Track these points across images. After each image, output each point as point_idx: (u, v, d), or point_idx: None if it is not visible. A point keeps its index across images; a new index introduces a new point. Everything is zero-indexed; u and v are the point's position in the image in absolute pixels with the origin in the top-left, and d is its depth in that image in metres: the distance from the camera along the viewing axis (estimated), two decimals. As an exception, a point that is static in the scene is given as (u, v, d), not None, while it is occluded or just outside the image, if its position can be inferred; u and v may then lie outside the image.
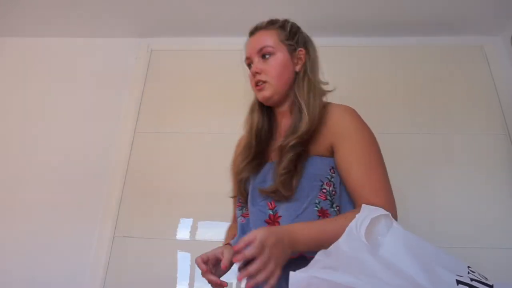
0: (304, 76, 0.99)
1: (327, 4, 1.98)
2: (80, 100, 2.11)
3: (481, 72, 1.99)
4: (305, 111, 0.91)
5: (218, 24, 2.16)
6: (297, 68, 1.01)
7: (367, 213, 0.76)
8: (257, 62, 1.01)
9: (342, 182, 0.91)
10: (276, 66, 0.96)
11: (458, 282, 0.66)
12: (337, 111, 0.92)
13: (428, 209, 1.70)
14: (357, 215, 0.76)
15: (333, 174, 0.90)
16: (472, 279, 0.67)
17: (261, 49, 1.01)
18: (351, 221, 0.75)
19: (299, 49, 1.02)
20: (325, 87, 1.03)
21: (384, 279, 0.64)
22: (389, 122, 1.89)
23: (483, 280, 0.69)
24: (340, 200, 0.90)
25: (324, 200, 0.87)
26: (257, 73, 0.99)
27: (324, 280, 0.67)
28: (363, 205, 0.83)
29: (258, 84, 0.99)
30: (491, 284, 0.68)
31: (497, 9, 1.97)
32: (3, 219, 1.85)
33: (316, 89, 0.97)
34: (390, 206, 0.87)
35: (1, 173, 1.96)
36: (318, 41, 2.16)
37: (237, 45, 2.19)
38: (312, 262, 0.73)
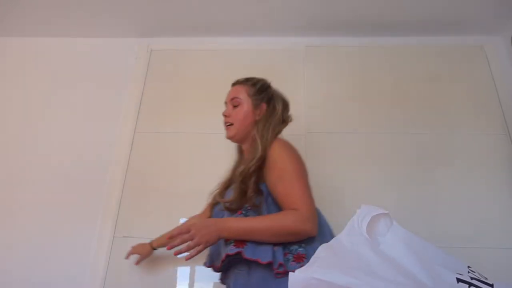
0: (261, 123, 1.25)
1: (327, 4, 1.98)
2: (80, 100, 2.11)
3: (481, 72, 1.99)
4: (259, 147, 1.17)
5: (218, 24, 2.16)
6: (257, 117, 1.27)
7: (367, 211, 0.77)
8: (229, 108, 1.30)
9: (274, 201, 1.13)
10: (240, 114, 1.26)
11: (459, 280, 0.66)
12: (271, 146, 1.16)
13: (428, 209, 1.70)
14: (357, 212, 0.77)
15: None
16: (472, 278, 0.67)
17: (232, 99, 1.29)
18: (275, 222, 0.99)
19: (262, 103, 1.29)
20: (282, 126, 1.32)
21: (385, 276, 0.64)
22: (389, 121, 1.89)
23: (483, 280, 0.69)
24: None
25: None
26: (226, 116, 1.28)
27: (324, 281, 0.67)
28: (363, 205, 0.83)
29: (226, 124, 1.29)
30: (491, 283, 0.68)
31: (497, 9, 1.97)
32: (3, 219, 1.85)
33: (269, 132, 1.22)
34: (308, 213, 1.01)
35: (1, 173, 1.96)
36: (319, 41, 2.18)
37: (237, 45, 2.21)
38: (312, 259, 0.74)
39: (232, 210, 1.11)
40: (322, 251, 0.75)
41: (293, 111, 1.95)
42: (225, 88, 1.97)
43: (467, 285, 0.65)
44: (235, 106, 1.27)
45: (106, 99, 2.10)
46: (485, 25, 2.09)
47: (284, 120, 1.33)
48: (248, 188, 1.10)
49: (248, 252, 0.97)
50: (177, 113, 2.04)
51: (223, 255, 1.02)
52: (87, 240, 1.77)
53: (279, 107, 1.32)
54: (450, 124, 1.87)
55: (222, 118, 1.44)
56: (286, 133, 1.89)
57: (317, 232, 1.01)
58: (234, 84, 1.36)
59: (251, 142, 1.23)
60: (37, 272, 1.72)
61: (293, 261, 0.95)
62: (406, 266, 0.68)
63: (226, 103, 1.33)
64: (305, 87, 1.98)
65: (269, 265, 0.95)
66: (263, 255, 0.96)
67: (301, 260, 0.94)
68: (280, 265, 0.94)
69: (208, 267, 1.18)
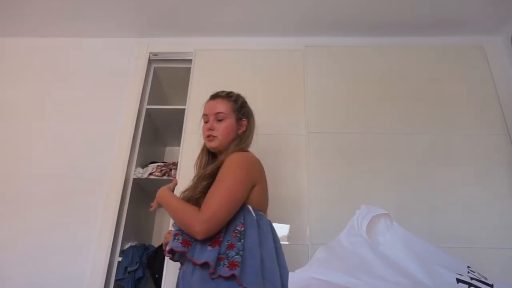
0: (242, 137, 1.36)
1: (327, 4, 1.98)
2: (80, 100, 2.11)
3: (481, 72, 1.98)
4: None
5: (218, 24, 2.16)
6: (240, 132, 1.36)
7: (367, 211, 0.77)
8: (212, 121, 1.34)
9: None
10: (226, 128, 1.32)
11: (458, 280, 0.66)
12: (230, 155, 1.24)
13: (428, 209, 1.70)
14: (357, 212, 0.77)
15: None
16: (472, 278, 0.67)
17: (217, 113, 1.34)
18: (184, 210, 1.13)
19: (243, 119, 1.37)
20: (254, 138, 1.42)
21: (385, 276, 0.64)
22: (389, 122, 1.89)
23: (483, 280, 0.69)
24: None
25: None
26: (210, 129, 1.32)
27: (324, 281, 0.67)
28: (363, 205, 0.83)
29: (209, 136, 1.33)
30: (491, 283, 0.68)
31: (497, 9, 1.97)
32: (3, 219, 1.85)
33: (244, 145, 1.34)
34: (205, 217, 1.08)
35: (1, 173, 1.96)
36: (319, 41, 2.18)
37: (237, 45, 2.21)
38: (312, 259, 0.74)
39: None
40: (322, 252, 0.75)
41: (293, 111, 1.97)
42: (225, 88, 1.97)
43: (467, 285, 0.65)
44: (219, 120, 1.33)
45: (106, 99, 2.10)
46: (485, 25, 2.09)
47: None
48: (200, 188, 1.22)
49: (190, 253, 1.08)
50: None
51: (170, 246, 1.11)
52: (87, 240, 1.77)
53: (254, 123, 1.42)
54: (450, 124, 1.87)
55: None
56: (287, 133, 1.90)
57: (212, 239, 1.09)
58: (214, 98, 1.39)
59: (227, 152, 1.30)
60: (37, 272, 1.72)
61: (227, 266, 1.02)
62: (406, 266, 0.68)
63: (206, 115, 1.37)
64: (305, 87, 1.98)
65: (208, 267, 1.02)
66: (200, 256, 1.05)
67: (234, 267, 1.00)
68: (206, 264, 1.02)
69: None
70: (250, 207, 1.18)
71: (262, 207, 1.25)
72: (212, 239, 1.08)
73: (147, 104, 2.12)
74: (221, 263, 1.03)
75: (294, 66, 2.07)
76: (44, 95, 2.14)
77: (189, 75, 2.06)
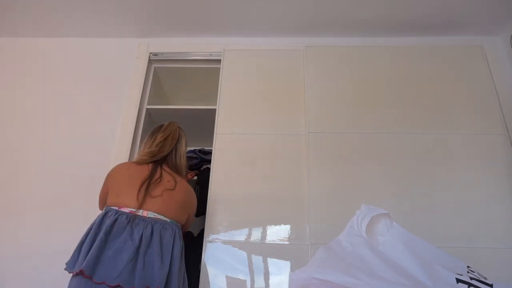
0: None
1: (327, 4, 1.98)
2: (80, 100, 2.11)
3: (481, 72, 1.98)
4: None
5: (218, 24, 2.16)
6: None
7: (367, 211, 0.77)
8: None
9: None
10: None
11: (458, 280, 0.66)
12: None
13: (428, 209, 1.70)
14: (357, 212, 0.77)
15: None
16: (472, 278, 0.67)
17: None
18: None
19: None
20: None
21: (384, 276, 0.64)
22: (388, 122, 1.89)
23: (483, 280, 0.69)
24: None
25: None
26: None
27: (324, 281, 0.67)
28: (363, 205, 0.83)
29: None
30: (490, 283, 0.68)
31: (497, 9, 1.97)
32: (3, 219, 1.85)
33: None
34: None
35: (1, 173, 1.96)
36: (319, 41, 2.18)
37: (237, 45, 2.21)
38: (312, 259, 0.74)
39: None
40: (322, 252, 0.75)
41: (293, 111, 1.97)
42: (225, 89, 1.99)
43: (467, 285, 0.65)
44: None
45: (106, 99, 2.10)
46: (485, 25, 2.09)
47: None
48: None
49: None
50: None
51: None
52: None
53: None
54: (450, 124, 1.87)
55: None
56: (287, 133, 1.90)
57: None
58: None
59: None
60: (38, 273, 1.72)
61: None
62: (406, 266, 0.68)
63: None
64: (305, 87, 1.98)
65: None
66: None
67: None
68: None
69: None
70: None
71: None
72: None
73: (147, 104, 2.12)
74: None
75: (294, 66, 2.07)
76: (44, 95, 2.13)
77: (192, 75, 2.06)
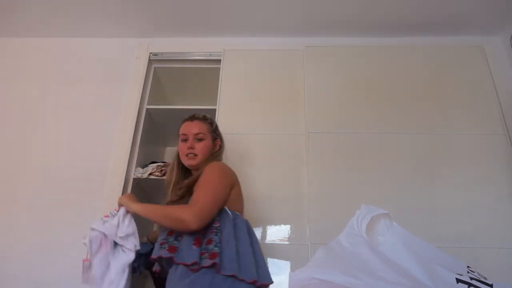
0: (216, 156, 1.52)
1: (327, 4, 1.98)
2: (80, 99, 2.11)
3: (481, 72, 1.99)
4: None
5: (218, 24, 2.16)
6: (214, 151, 1.52)
7: (367, 211, 0.77)
8: (192, 140, 1.48)
9: None
10: (204, 148, 1.48)
11: (458, 280, 0.66)
12: (206, 167, 1.39)
13: (428, 209, 1.70)
14: (357, 212, 0.77)
15: None
16: (472, 278, 0.67)
17: (197, 134, 1.49)
18: (169, 207, 1.29)
19: (217, 140, 1.55)
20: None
21: (384, 276, 0.64)
22: (388, 122, 1.89)
23: (483, 280, 0.69)
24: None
25: None
26: (191, 148, 1.47)
27: (324, 281, 0.67)
28: (363, 205, 0.83)
29: (188, 155, 1.47)
30: (490, 283, 0.68)
31: (497, 9, 1.97)
32: (4, 219, 1.85)
33: (216, 159, 1.50)
34: (197, 210, 1.20)
35: (1, 173, 1.96)
36: (318, 41, 2.18)
37: (237, 45, 2.21)
38: (312, 259, 0.74)
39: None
40: (322, 252, 0.75)
41: (293, 111, 1.97)
42: (225, 89, 1.99)
43: (467, 285, 0.65)
44: (199, 140, 1.48)
45: (106, 98, 2.10)
46: (485, 25, 2.09)
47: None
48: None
49: (178, 257, 1.18)
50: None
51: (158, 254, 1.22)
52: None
53: (224, 144, 1.59)
54: (450, 124, 1.87)
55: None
56: (287, 133, 1.90)
57: (195, 238, 1.20)
58: (192, 119, 1.54)
59: (202, 168, 1.43)
60: (38, 273, 1.72)
61: (208, 258, 1.14)
62: (406, 266, 0.68)
63: (184, 134, 1.50)
64: (305, 87, 1.98)
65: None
66: (188, 257, 1.16)
67: (215, 257, 1.14)
68: (195, 263, 1.13)
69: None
70: (226, 208, 1.31)
71: (238, 208, 1.37)
72: (195, 238, 1.20)
73: (147, 104, 2.12)
74: (203, 257, 1.15)
75: (294, 66, 2.07)
76: (44, 95, 2.13)
77: (192, 75, 2.05)
